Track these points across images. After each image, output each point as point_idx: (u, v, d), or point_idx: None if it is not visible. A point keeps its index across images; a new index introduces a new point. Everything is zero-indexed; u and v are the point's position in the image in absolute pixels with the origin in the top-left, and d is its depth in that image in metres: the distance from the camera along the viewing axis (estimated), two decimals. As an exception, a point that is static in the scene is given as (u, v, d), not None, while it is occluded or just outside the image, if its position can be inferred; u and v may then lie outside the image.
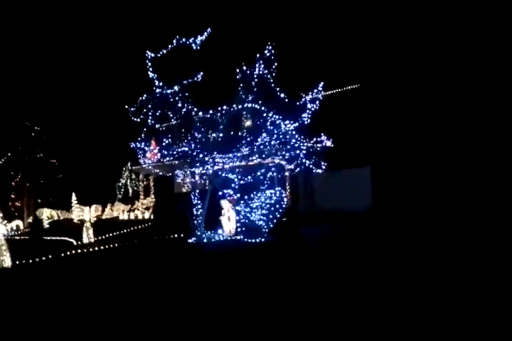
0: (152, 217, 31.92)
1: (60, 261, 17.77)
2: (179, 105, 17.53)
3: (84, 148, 45.15)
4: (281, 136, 15.61)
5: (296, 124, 15.83)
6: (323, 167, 16.96)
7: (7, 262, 16.62)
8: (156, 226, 23.61)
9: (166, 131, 19.74)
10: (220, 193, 17.95)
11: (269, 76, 16.41)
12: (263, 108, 15.93)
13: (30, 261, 17.34)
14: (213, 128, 17.10)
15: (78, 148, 45.29)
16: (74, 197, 35.62)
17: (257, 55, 16.49)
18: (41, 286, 12.67)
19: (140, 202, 36.84)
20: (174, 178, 36.95)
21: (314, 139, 16.10)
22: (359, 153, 21.06)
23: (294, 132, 15.65)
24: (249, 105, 15.94)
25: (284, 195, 15.20)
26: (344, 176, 21.08)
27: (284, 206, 15.11)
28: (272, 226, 15.17)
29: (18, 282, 14.13)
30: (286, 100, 16.01)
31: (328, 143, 16.93)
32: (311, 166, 16.67)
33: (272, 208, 15.13)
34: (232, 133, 16.19)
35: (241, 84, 16.90)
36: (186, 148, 17.90)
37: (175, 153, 18.60)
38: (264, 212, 15.31)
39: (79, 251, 19.25)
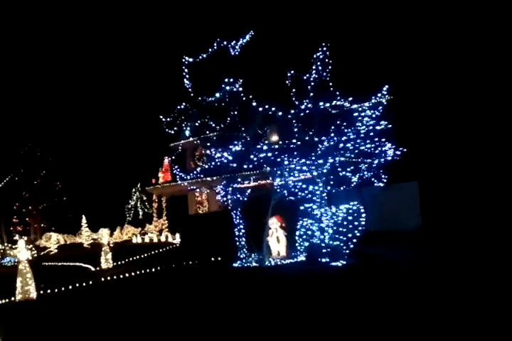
0: (169, 239, 29.69)
1: (89, 289, 15.49)
2: (226, 112, 15.47)
3: (90, 170, 42.99)
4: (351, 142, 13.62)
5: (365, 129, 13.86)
6: (384, 180, 14.95)
7: (32, 292, 14.32)
8: (183, 249, 21.37)
9: (204, 144, 17.65)
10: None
11: (325, 79, 14.54)
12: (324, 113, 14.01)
13: (57, 290, 15.07)
14: (285, 134, 14.99)
15: (84, 170, 43.12)
16: (84, 220, 33.42)
17: (314, 56, 14.62)
18: (72, 320, 10.50)
19: (153, 224, 34.56)
20: (189, 198, 35.01)
21: (379, 149, 14.09)
22: (407, 166, 19.10)
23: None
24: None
25: (362, 211, 13.12)
26: (391, 191, 19.04)
27: (363, 223, 13.00)
28: (352, 246, 13.01)
29: (45, 316, 11.89)
30: (348, 105, 14.08)
31: (390, 153, 14.87)
32: (372, 179, 14.62)
33: (350, 225, 13.02)
34: (308, 138, 14.09)
35: (293, 90, 14.97)
36: (227, 160, 15.76)
37: (213, 167, 16.49)
38: (341, 229, 13.16)
39: (108, 278, 16.96)
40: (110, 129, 42.25)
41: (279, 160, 14.49)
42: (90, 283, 16.21)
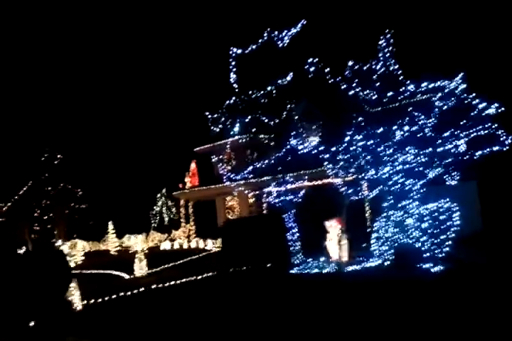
0: (200, 245, 28.35)
1: (135, 298, 14.17)
2: (283, 107, 14.13)
3: (113, 176, 41.79)
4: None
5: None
6: (457, 178, 13.50)
7: (76, 303, 12.99)
8: (224, 255, 19.96)
9: (252, 143, 16.36)
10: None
11: (392, 68, 13.21)
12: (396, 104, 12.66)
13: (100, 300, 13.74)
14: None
15: (107, 176, 41.92)
16: (111, 227, 32.11)
17: (379, 44, 13.30)
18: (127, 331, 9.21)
19: (181, 230, 33.23)
20: (217, 203, 33.69)
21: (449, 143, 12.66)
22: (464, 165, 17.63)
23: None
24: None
25: (455, 209, 11.69)
26: (448, 191, 17.58)
27: (457, 223, 11.55)
28: (446, 249, 11.54)
29: (94, 328, 10.59)
30: (419, 96, 12.72)
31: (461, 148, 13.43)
32: (444, 177, 13.18)
33: (443, 226, 11.60)
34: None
35: (355, 80, 13.63)
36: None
37: (264, 166, 15.16)
38: (434, 230, 11.71)
39: (153, 286, 15.61)
40: (133, 134, 41.21)
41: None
42: (136, 291, 14.87)
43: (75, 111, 43.89)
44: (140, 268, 21.28)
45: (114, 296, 14.35)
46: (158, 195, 37.83)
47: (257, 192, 26.03)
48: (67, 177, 42.63)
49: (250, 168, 15.25)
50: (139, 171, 39.76)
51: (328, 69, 13.52)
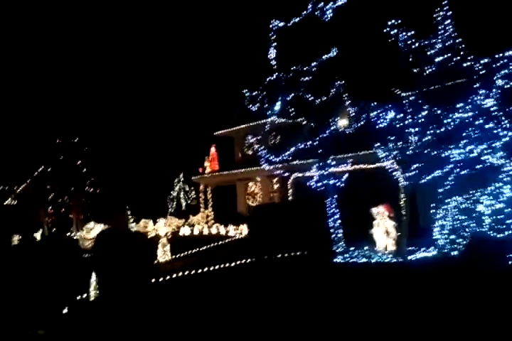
0: (221, 231, 27.42)
1: (168, 284, 13.24)
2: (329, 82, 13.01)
3: (128, 160, 40.80)
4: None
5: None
6: None
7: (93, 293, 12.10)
8: (253, 242, 19.01)
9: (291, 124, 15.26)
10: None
11: (454, 42, 12.03)
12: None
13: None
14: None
15: (122, 160, 40.94)
16: (128, 212, 31.23)
17: (440, 14, 12.09)
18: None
19: (200, 215, 32.31)
20: (238, 188, 32.72)
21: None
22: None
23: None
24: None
25: None
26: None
27: None
28: None
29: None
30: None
31: None
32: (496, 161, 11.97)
33: None
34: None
35: (410, 56, 12.47)
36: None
37: (307, 148, 14.08)
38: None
39: (186, 273, 14.66)
40: (151, 118, 40.15)
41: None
42: (171, 277, 13.92)
43: (92, 94, 42.86)
44: (164, 254, 20.47)
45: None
46: (176, 180, 36.83)
47: (285, 176, 25.01)
48: (83, 160, 41.69)
49: (292, 149, 14.16)
50: (155, 155, 38.80)
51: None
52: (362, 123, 13.53)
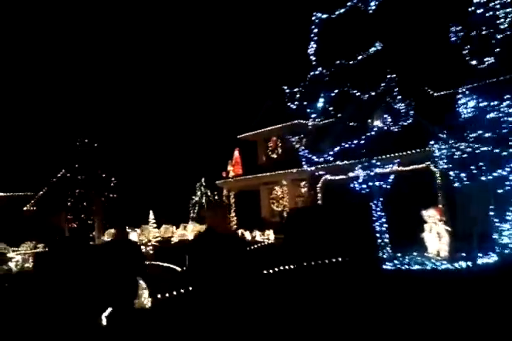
0: (247, 236, 26.51)
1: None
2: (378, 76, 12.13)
3: (149, 165, 40.11)
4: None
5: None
6: None
7: (146, 298, 11.27)
8: (288, 248, 18.15)
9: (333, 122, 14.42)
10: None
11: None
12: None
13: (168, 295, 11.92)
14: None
15: (143, 164, 40.27)
16: (151, 216, 30.50)
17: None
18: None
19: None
20: (261, 193, 31.84)
21: None
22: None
23: None
24: None
25: None
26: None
27: None
28: None
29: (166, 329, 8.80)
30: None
31: None
32: None
33: None
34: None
35: (466, 47, 11.59)
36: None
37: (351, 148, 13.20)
38: None
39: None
40: (172, 122, 39.48)
41: None
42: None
43: (115, 98, 42.31)
44: (191, 260, 19.68)
45: (182, 291, 12.62)
46: (197, 185, 36.05)
47: (314, 179, 24.16)
48: (102, 165, 41.11)
49: (337, 148, 13.26)
50: (177, 159, 38.08)
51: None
52: (410, 121, 12.65)
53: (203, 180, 35.83)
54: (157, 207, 32.09)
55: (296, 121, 27.78)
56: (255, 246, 22.60)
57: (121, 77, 47.39)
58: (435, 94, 16.39)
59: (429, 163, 14.28)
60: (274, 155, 30.34)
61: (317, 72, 12.97)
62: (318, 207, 21.38)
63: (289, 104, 13.69)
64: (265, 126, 29.99)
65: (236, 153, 31.15)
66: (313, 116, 13.14)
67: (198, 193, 35.91)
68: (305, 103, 13.43)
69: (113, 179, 42.10)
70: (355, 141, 12.84)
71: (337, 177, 23.00)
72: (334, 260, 14.92)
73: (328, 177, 23.60)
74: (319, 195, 23.84)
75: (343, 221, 15.32)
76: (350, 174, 15.20)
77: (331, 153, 13.33)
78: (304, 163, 14.09)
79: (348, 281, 11.40)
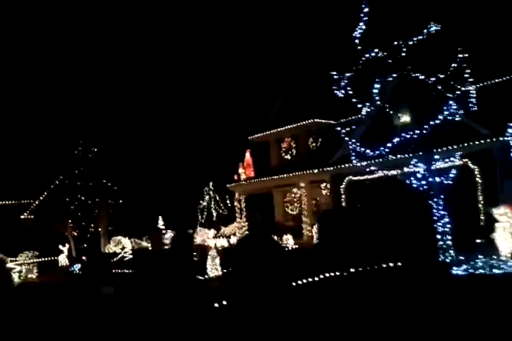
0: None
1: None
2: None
3: (154, 169, 38.35)
4: None
5: None
6: None
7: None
8: (326, 253, 16.55)
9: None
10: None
11: None
12: None
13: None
14: None
15: (147, 169, 38.48)
16: (161, 222, 28.86)
17: None
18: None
19: (234, 225, 29.90)
20: (274, 196, 30.29)
21: None
22: None
23: None
24: None
25: None
26: None
27: None
28: None
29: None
30: None
31: None
32: None
33: None
34: None
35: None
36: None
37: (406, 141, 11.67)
38: None
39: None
40: (177, 125, 37.83)
41: None
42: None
43: (115, 98, 40.62)
44: (213, 268, 18.13)
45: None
46: (205, 189, 34.40)
47: (336, 181, 22.68)
48: (104, 170, 39.31)
49: (396, 139, 11.70)
50: (181, 164, 36.42)
51: None
52: (475, 108, 11.19)
53: (210, 184, 34.23)
54: (163, 212, 30.35)
55: (313, 120, 26.34)
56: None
57: (125, 77, 45.82)
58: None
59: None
60: (288, 157, 28.82)
61: (372, 54, 11.43)
62: (357, 208, 19.79)
63: (335, 91, 12.13)
64: (278, 126, 28.48)
65: (247, 154, 29.56)
66: (365, 104, 11.55)
67: (206, 198, 34.26)
68: (356, 90, 11.90)
69: (116, 185, 40.37)
70: (416, 132, 11.31)
71: (362, 178, 21.56)
72: (385, 265, 13.33)
73: (352, 177, 22.15)
74: (343, 196, 22.29)
75: (392, 222, 13.78)
76: (395, 171, 13.64)
77: (389, 145, 11.75)
78: (353, 157, 12.50)
79: (412, 290, 9.84)
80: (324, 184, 24.90)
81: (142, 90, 46.22)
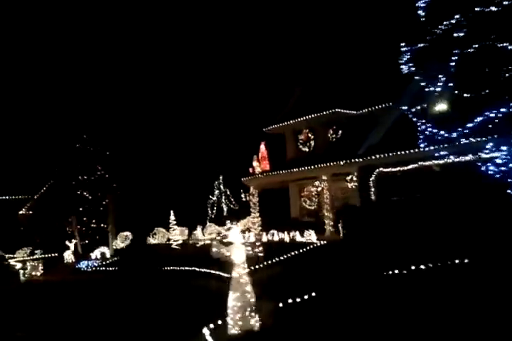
0: (288, 238, 23.29)
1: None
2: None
3: (162, 163, 36.56)
4: None
5: None
6: None
7: (254, 318, 8.07)
8: (357, 249, 15.07)
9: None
10: None
11: None
12: None
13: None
14: None
15: (154, 163, 36.70)
16: (172, 217, 27.16)
17: None
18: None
19: (249, 220, 28.31)
20: (291, 191, 28.76)
21: None
22: None
23: None
24: None
25: None
26: None
27: None
28: None
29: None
30: None
31: None
32: None
33: None
34: None
35: None
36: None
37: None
38: None
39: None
40: (186, 116, 36.05)
41: None
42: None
43: (119, 87, 38.74)
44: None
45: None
46: (216, 183, 32.74)
47: (364, 172, 21.20)
48: (106, 165, 37.53)
49: (479, 119, 10.19)
50: (190, 156, 34.71)
51: None
52: None
53: (221, 177, 32.58)
54: (171, 207, 28.61)
55: (333, 110, 24.81)
56: (309, 247, 19.51)
57: (130, 66, 43.88)
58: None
59: None
60: (306, 149, 27.28)
61: (452, 22, 9.88)
62: (401, 201, 18.24)
63: (403, 65, 10.56)
64: (295, 117, 26.91)
65: (262, 147, 27.94)
66: (440, 78, 10.00)
67: (216, 192, 32.61)
68: (428, 63, 10.35)
69: (121, 179, 38.64)
70: (501, 110, 9.80)
71: (394, 169, 20.09)
72: (448, 262, 11.83)
73: (383, 169, 20.67)
74: (372, 189, 20.79)
75: (454, 214, 12.28)
76: (468, 156, 12.10)
77: (470, 125, 10.22)
78: (421, 141, 10.94)
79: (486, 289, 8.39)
80: (350, 176, 23.38)
81: (151, 78, 44.29)
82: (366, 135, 22.80)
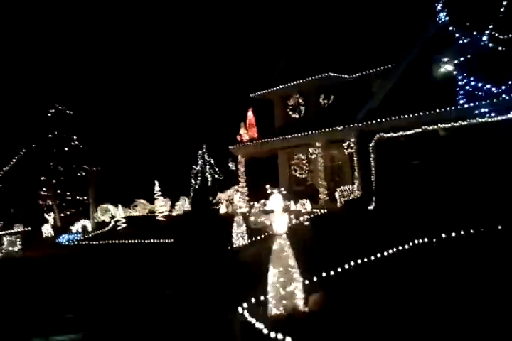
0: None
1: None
2: None
3: (141, 131, 34.68)
4: None
5: None
6: None
7: (299, 299, 6.91)
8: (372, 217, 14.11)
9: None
10: None
11: None
12: None
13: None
14: None
15: (128, 131, 34.81)
16: (157, 188, 25.62)
17: None
18: None
19: (232, 191, 27.16)
20: (280, 160, 27.56)
21: None
22: None
23: None
24: None
25: None
26: None
27: None
28: None
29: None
30: None
31: None
32: None
33: None
34: None
35: None
36: None
37: None
38: None
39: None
40: (167, 81, 34.04)
41: None
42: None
43: (98, 55, 36.33)
44: (240, 236, 15.72)
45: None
46: (200, 152, 31.23)
47: (361, 138, 20.14)
48: (82, 134, 35.49)
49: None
50: (171, 124, 32.88)
51: None
52: None
53: (204, 146, 31.10)
54: (152, 178, 27.08)
55: (326, 74, 23.54)
56: (310, 216, 18.54)
57: (110, 32, 41.27)
58: None
59: None
60: (296, 115, 26.04)
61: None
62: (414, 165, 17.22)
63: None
64: (284, 81, 25.56)
65: (250, 113, 26.57)
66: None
67: (200, 162, 31.14)
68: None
69: (99, 150, 36.64)
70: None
71: (395, 134, 19.12)
72: (471, 231, 10.94)
73: (384, 134, 19.64)
74: (372, 155, 19.78)
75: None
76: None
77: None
78: (459, 97, 9.80)
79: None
80: (347, 143, 22.33)
81: (133, 44, 41.83)
82: (360, 100, 21.68)
